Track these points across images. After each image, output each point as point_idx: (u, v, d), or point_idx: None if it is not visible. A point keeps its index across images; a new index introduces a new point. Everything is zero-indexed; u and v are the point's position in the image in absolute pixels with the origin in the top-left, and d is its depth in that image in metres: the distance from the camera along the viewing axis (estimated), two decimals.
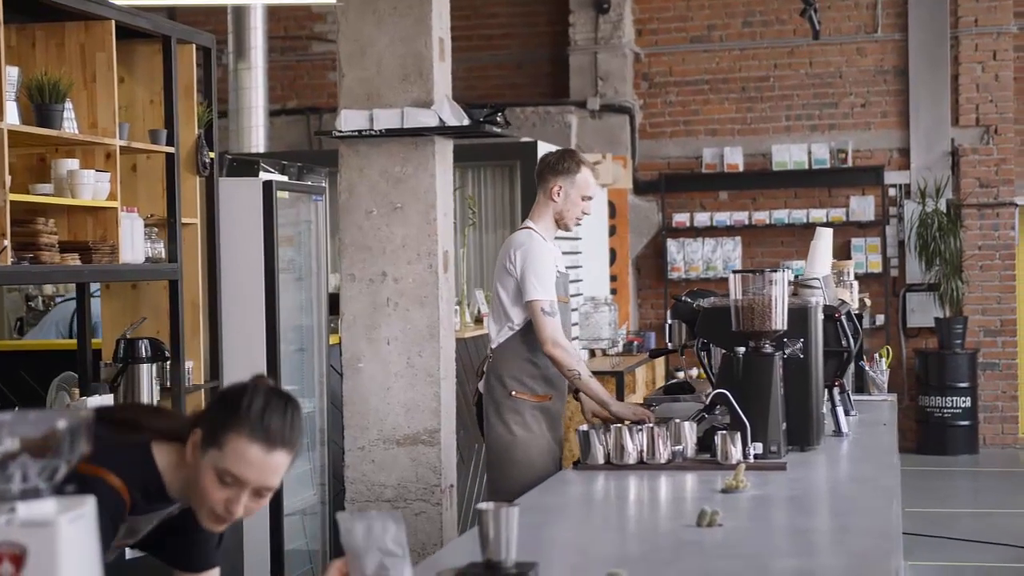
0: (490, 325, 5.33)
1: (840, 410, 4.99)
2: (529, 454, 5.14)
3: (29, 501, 1.74)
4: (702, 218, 12.79)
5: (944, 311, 12.28)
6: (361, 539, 2.44)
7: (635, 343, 10.54)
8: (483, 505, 2.71)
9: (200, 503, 2.64)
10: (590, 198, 5.27)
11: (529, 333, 5.13)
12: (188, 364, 5.66)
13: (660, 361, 10.65)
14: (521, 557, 2.79)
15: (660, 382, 10.20)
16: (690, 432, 4.30)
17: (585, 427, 4.34)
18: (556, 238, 5.37)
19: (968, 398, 12.15)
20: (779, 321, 4.35)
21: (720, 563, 3.01)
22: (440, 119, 5.51)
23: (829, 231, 5.81)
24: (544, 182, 5.24)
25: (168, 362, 5.48)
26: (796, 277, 5.31)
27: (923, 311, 12.50)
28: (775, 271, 4.37)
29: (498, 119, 5.82)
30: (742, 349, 4.36)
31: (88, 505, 1.74)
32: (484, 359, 5.42)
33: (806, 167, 12.64)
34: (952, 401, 12.13)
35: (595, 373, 8.76)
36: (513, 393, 5.15)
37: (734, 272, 4.41)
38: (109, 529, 2.60)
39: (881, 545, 3.07)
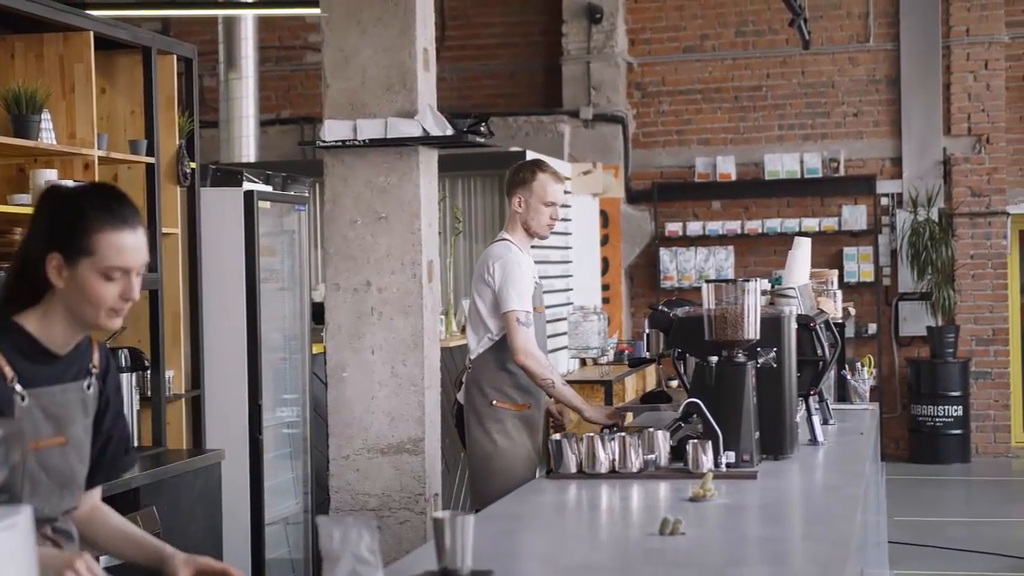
0: (469, 336, 5.37)
1: (816, 419, 4.99)
2: (511, 463, 5.17)
3: None
4: (695, 227, 12.81)
5: (936, 320, 12.28)
6: (337, 544, 2.47)
7: (626, 352, 10.55)
8: (439, 514, 2.73)
9: (95, 312, 2.69)
10: (553, 204, 5.32)
11: (507, 343, 5.16)
12: (169, 373, 5.68)
13: (651, 370, 10.66)
14: (483, 565, 2.81)
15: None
16: (663, 441, 4.31)
17: (558, 436, 4.35)
18: (534, 247, 5.41)
19: (960, 407, 12.15)
20: (751, 331, 4.36)
21: (677, 571, 3.02)
22: (423, 129, 5.53)
23: (807, 240, 5.84)
24: (508, 195, 5.39)
25: (148, 371, 5.50)
26: (773, 286, 5.32)
27: (915, 320, 12.50)
28: (748, 281, 4.39)
29: (482, 129, 5.83)
30: (715, 358, 4.37)
31: (23, 514, 1.75)
32: (462, 370, 5.46)
33: (798, 176, 12.66)
34: (944, 410, 12.13)
35: (585, 382, 8.86)
36: (494, 403, 5.20)
37: (707, 281, 4.43)
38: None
39: (839, 553, 3.08)
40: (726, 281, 4.40)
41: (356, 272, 5.60)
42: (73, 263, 2.66)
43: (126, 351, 5.37)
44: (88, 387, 2.82)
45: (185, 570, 2.78)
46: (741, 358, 4.38)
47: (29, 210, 4.88)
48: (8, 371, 2.64)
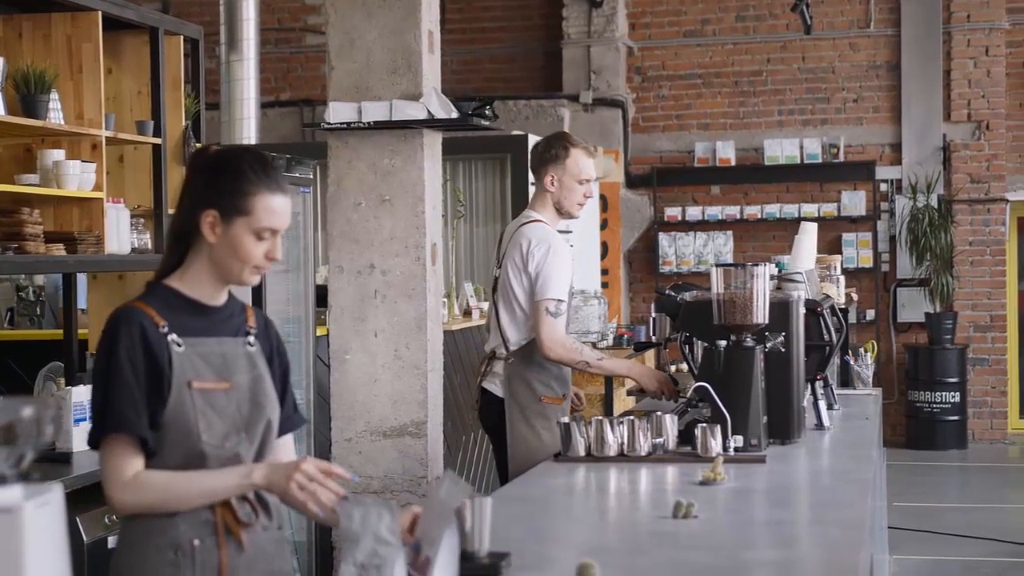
0: (503, 326, 5.19)
1: (822, 404, 5.00)
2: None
3: None
4: (694, 212, 12.82)
5: (934, 306, 12.30)
6: (357, 525, 2.48)
7: (625, 336, 10.56)
8: None
9: (240, 268, 2.86)
10: (588, 181, 5.14)
11: None
12: None
13: (652, 354, 10.68)
14: (496, 547, 2.82)
15: None
16: (671, 425, 4.32)
17: (566, 419, 4.35)
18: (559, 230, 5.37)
19: (957, 393, 12.18)
20: (760, 315, 4.36)
21: (692, 554, 3.04)
22: (428, 112, 5.52)
23: (814, 225, 5.84)
24: (537, 173, 5.18)
25: None
26: (780, 271, 5.33)
27: (913, 306, 12.52)
28: (757, 265, 4.39)
29: (486, 112, 5.82)
30: (723, 343, 4.37)
31: (55, 492, 1.75)
32: (485, 359, 5.35)
33: (798, 162, 12.67)
34: (941, 396, 12.16)
35: None
36: (542, 399, 5.09)
37: (716, 266, 4.42)
38: (137, 336, 2.77)
39: (851, 537, 3.10)
40: (735, 265, 4.40)
41: (359, 255, 5.59)
42: (229, 220, 2.83)
43: None
44: (250, 344, 2.95)
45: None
46: (750, 342, 4.38)
47: (37, 190, 4.89)
48: (160, 321, 2.80)
